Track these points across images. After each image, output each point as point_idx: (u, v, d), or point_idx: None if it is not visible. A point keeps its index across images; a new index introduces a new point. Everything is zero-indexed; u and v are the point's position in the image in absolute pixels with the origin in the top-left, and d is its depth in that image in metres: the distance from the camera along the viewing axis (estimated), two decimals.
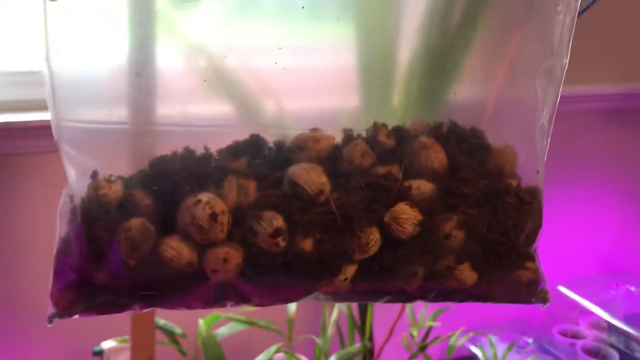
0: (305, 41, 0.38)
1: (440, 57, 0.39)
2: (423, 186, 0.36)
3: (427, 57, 0.40)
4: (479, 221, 0.36)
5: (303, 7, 0.36)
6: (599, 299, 1.32)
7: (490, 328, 1.27)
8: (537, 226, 0.37)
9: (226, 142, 0.39)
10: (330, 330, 0.98)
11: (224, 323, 0.94)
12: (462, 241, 0.36)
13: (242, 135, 0.39)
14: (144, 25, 0.36)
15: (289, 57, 0.37)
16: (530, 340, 1.32)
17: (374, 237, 0.35)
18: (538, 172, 0.37)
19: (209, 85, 0.37)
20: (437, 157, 0.37)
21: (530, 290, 0.38)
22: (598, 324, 1.33)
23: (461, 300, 0.38)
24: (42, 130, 0.91)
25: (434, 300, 0.37)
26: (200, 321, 0.91)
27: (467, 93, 0.40)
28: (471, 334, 1.13)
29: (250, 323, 0.92)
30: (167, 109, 0.38)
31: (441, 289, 0.37)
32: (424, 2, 0.39)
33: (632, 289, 1.36)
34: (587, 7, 0.91)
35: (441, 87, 0.40)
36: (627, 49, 1.28)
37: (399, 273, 0.36)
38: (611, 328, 1.29)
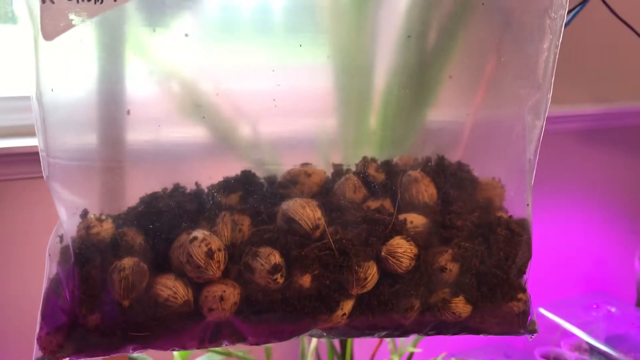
0: (281, 64, 0.39)
1: (417, 79, 0.41)
2: (416, 220, 0.39)
3: (403, 79, 0.41)
4: (473, 253, 0.39)
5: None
6: (580, 320, 1.37)
7: (472, 352, 1.30)
8: (527, 258, 0.40)
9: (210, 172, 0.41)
10: (310, 359, 0.99)
11: (200, 354, 0.95)
12: (457, 274, 0.39)
13: (222, 163, 0.41)
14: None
15: (265, 80, 0.39)
16: None
17: (372, 272, 0.37)
18: (528, 205, 0.41)
19: (183, 111, 0.39)
20: (427, 191, 0.40)
21: (521, 322, 0.41)
22: (579, 346, 1.38)
23: (454, 333, 0.40)
24: (25, 157, 0.92)
25: (429, 333, 0.40)
26: (175, 353, 0.91)
27: (449, 119, 0.43)
28: (453, 359, 1.16)
29: (227, 354, 0.93)
30: (156, 145, 0.40)
31: (436, 322, 0.40)
32: (399, 24, 0.41)
33: (613, 309, 1.41)
34: (570, 20, 0.97)
35: (418, 109, 0.42)
36: (600, 70, 1.36)
37: (395, 307, 0.38)
38: (592, 350, 1.34)
